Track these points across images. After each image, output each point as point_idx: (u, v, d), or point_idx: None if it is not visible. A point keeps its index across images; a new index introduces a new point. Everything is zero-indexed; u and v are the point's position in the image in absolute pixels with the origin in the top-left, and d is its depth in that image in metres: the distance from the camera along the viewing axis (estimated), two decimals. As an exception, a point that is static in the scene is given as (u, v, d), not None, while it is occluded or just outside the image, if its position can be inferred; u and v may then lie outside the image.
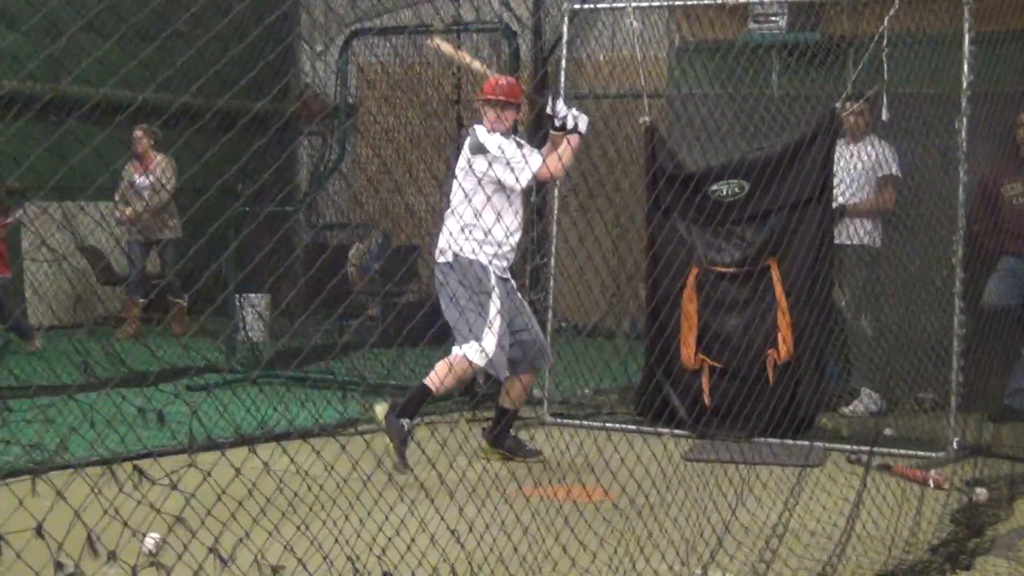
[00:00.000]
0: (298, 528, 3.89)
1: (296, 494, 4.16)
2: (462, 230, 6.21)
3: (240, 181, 8.86)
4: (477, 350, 6.08)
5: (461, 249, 6.25)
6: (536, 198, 11.49)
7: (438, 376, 6.14)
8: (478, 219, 6.05)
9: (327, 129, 11.72)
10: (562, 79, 8.11)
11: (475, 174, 6.13)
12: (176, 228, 11.10)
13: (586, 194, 9.58)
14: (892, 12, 6.88)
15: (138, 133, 10.79)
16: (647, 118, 7.73)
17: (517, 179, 6.16)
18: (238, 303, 9.77)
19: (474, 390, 7.99)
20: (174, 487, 3.20)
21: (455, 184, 6.40)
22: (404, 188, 11.57)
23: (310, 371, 9.04)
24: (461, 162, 6.36)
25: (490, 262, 6.26)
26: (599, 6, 8.31)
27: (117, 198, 11.09)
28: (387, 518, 4.14)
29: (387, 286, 10.67)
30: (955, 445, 6.78)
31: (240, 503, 3.59)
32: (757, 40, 9.05)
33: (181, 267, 10.93)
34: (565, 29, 8.25)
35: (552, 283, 8.12)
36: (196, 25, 3.70)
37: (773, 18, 9.09)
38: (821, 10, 8.92)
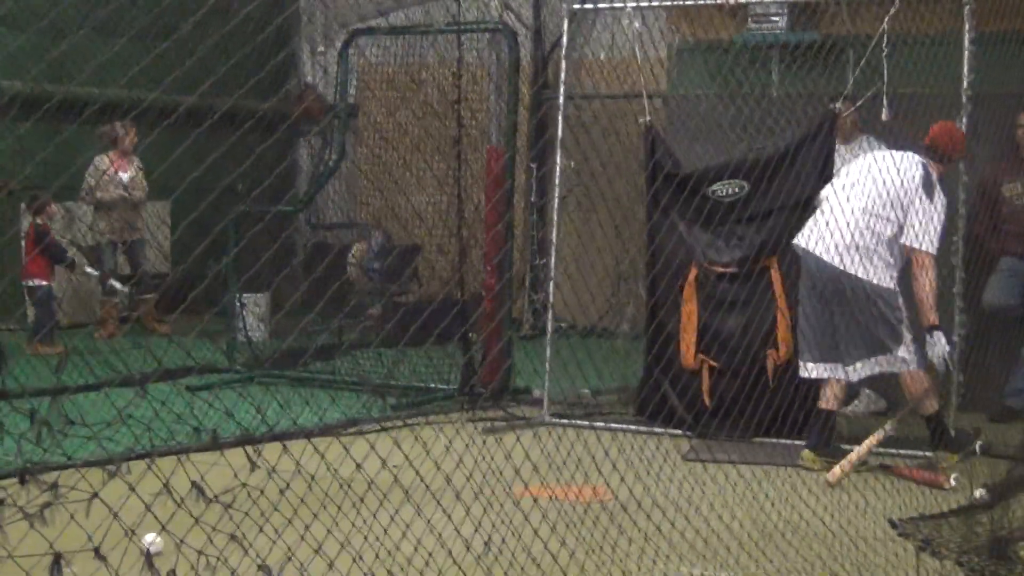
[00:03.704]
0: (308, 529, 3.88)
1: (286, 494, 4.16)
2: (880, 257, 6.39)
3: (240, 181, 8.86)
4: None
5: (881, 279, 6.40)
6: (536, 198, 11.52)
7: (926, 401, 6.47)
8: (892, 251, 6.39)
9: (327, 129, 11.72)
10: (562, 79, 8.11)
11: (917, 211, 6.34)
12: (143, 229, 11.09)
13: (585, 194, 9.58)
14: (892, 12, 6.88)
15: (129, 128, 10.69)
16: (647, 118, 7.73)
17: (920, 242, 6.34)
18: (238, 303, 9.77)
19: (474, 390, 7.99)
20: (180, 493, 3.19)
21: (880, 201, 6.43)
22: (404, 187, 11.57)
23: (311, 371, 9.03)
24: (906, 184, 6.41)
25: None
26: (599, 6, 8.30)
27: (89, 187, 10.73)
28: (392, 519, 4.14)
29: (388, 286, 10.68)
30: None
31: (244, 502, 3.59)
32: (757, 40, 9.05)
33: (183, 267, 10.92)
34: (565, 29, 8.25)
35: (552, 283, 8.11)
36: (197, 26, 3.70)
37: (773, 18, 9.09)
38: (820, 10, 8.92)
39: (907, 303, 6.46)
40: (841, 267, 6.40)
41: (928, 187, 6.45)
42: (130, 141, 10.76)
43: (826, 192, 6.72)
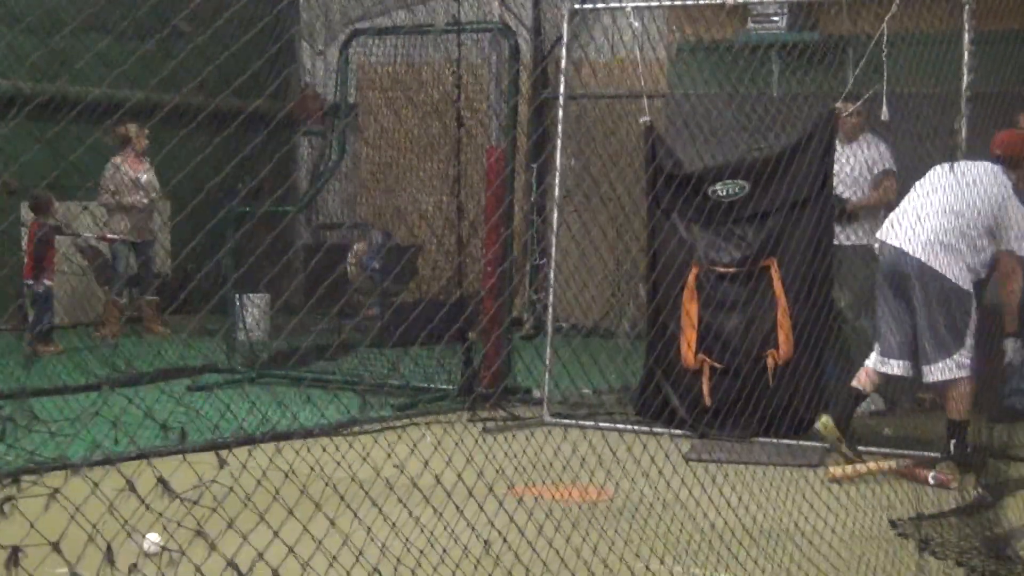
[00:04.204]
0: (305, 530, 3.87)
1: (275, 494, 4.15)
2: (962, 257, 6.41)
3: (240, 180, 8.86)
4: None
5: (959, 280, 6.40)
6: (536, 195, 11.52)
7: (960, 405, 6.41)
8: (975, 255, 6.41)
9: (327, 128, 11.72)
10: (562, 79, 8.11)
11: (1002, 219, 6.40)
12: (154, 231, 11.10)
13: (585, 193, 9.59)
14: (892, 12, 6.87)
15: (142, 130, 10.71)
16: (647, 118, 7.72)
17: (1017, 246, 6.44)
18: (237, 303, 9.75)
19: (474, 389, 7.98)
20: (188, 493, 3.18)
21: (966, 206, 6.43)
22: (404, 186, 11.57)
23: (310, 370, 9.02)
24: (993, 193, 6.44)
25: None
26: (599, 6, 8.30)
27: (111, 189, 10.86)
28: (385, 518, 4.13)
29: (386, 284, 10.67)
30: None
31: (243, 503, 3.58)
32: (757, 40, 9.05)
33: (176, 267, 10.92)
34: (565, 29, 8.24)
35: (552, 283, 8.11)
36: (196, 24, 3.70)
37: (773, 18, 9.09)
38: (820, 10, 8.92)
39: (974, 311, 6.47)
40: (923, 260, 6.37)
41: (1019, 194, 6.51)
42: (142, 143, 10.78)
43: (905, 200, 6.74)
